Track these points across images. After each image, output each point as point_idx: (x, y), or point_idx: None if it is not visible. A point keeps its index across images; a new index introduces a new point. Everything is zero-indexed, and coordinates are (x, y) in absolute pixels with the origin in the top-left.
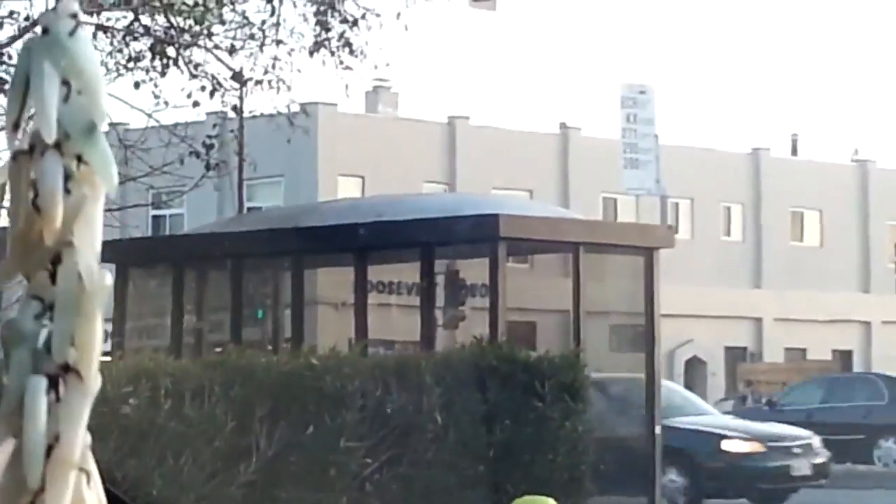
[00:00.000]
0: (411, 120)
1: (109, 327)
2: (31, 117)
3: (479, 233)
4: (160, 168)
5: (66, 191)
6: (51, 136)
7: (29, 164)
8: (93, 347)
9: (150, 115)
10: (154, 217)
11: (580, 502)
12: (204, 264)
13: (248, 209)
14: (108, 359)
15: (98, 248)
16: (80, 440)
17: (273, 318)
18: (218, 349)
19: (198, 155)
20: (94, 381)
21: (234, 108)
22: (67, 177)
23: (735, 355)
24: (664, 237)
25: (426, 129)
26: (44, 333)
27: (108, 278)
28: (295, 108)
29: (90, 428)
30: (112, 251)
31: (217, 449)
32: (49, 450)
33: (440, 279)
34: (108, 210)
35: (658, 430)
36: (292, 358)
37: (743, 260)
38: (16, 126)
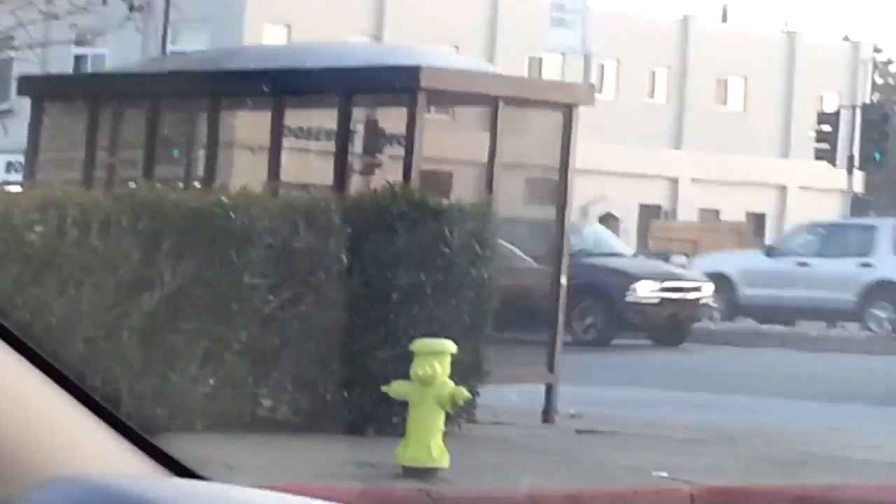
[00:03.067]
0: None
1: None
2: None
3: (399, 82)
4: (83, 6)
5: None
6: None
7: None
8: None
9: None
10: (77, 57)
11: (480, 346)
12: (121, 103)
13: (172, 53)
14: (18, 189)
15: None
16: None
17: (187, 158)
18: (130, 184)
19: None
20: None
21: None
22: None
23: (649, 213)
24: (584, 94)
25: None
26: None
27: None
28: None
29: None
30: (29, 86)
31: (121, 280)
32: None
33: (359, 127)
34: (29, 47)
35: (563, 280)
36: (202, 195)
37: (665, 121)
38: None
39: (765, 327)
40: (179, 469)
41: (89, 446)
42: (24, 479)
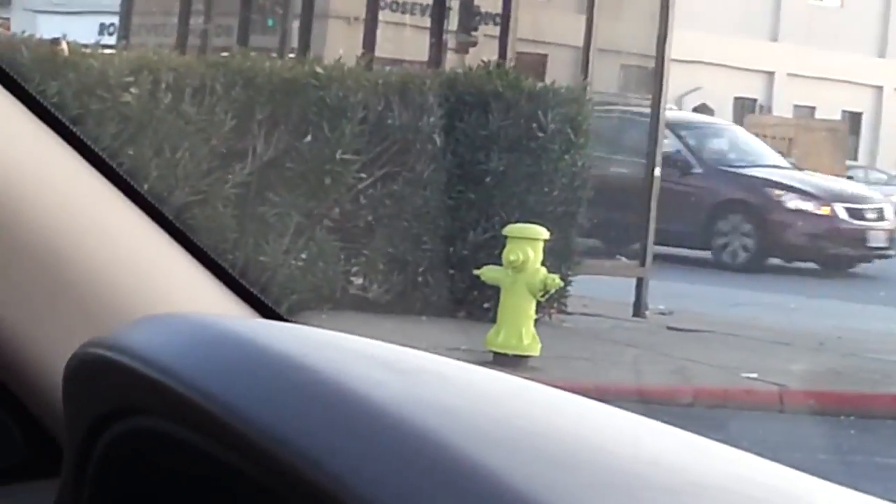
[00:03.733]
0: None
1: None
2: None
3: None
4: None
5: None
6: None
7: None
8: None
9: None
10: None
11: (571, 237)
12: None
13: None
14: (112, 51)
15: None
16: None
17: (282, 28)
18: (224, 53)
19: None
20: None
21: None
22: None
23: (744, 106)
24: None
25: None
26: None
27: None
28: None
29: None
30: None
31: (214, 147)
32: None
33: (454, 3)
34: None
35: (657, 172)
36: (296, 64)
37: (762, 12)
38: None
39: None
40: (275, 317)
41: (186, 286)
42: (121, 318)
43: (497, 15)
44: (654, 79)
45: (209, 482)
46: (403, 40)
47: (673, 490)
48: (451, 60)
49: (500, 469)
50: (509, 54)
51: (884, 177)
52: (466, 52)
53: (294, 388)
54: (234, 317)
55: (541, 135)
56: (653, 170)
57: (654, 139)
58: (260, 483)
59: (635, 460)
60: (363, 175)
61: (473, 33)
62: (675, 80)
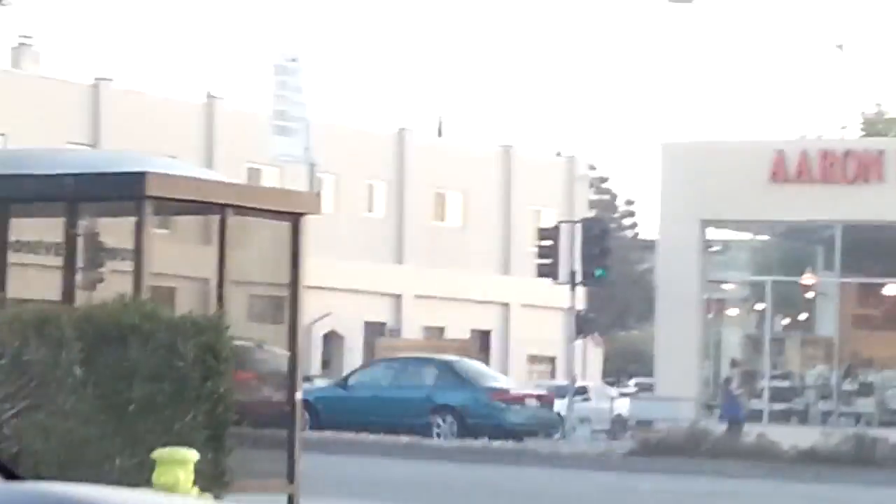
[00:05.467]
0: (56, 79)
1: None
2: None
3: (126, 190)
4: None
5: None
6: None
7: None
8: None
9: None
10: None
11: (220, 458)
12: None
13: None
14: None
15: None
16: None
17: None
18: None
19: None
20: None
21: None
22: None
23: (374, 330)
24: (311, 202)
25: (70, 90)
26: None
27: None
28: None
29: None
30: None
31: None
32: None
33: (80, 241)
34: None
35: (299, 395)
36: None
37: (385, 236)
38: None
39: None
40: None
41: None
42: None
43: (123, 249)
44: (290, 304)
45: None
46: (32, 280)
47: None
48: (81, 298)
49: None
50: (143, 284)
51: None
52: (94, 288)
53: None
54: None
55: (181, 364)
56: (294, 394)
57: (293, 366)
58: None
59: None
60: (7, 405)
61: (100, 269)
62: (306, 307)
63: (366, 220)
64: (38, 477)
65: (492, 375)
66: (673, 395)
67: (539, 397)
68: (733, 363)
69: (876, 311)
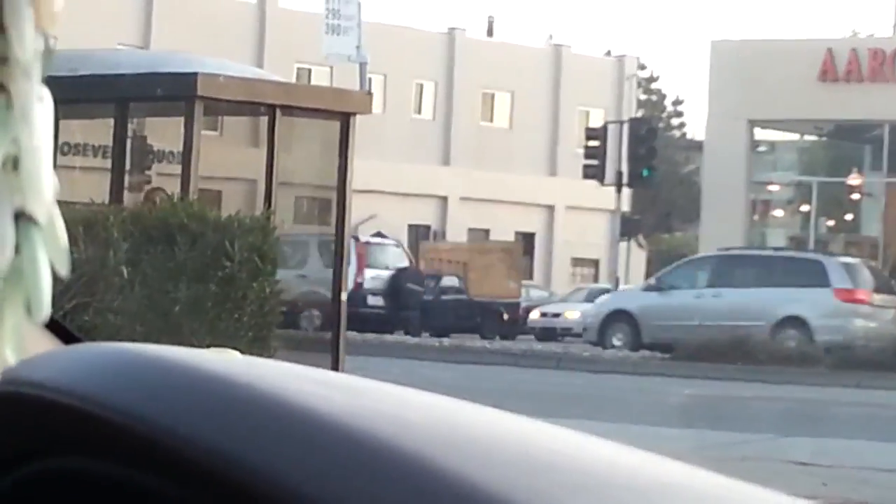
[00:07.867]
0: None
1: None
2: None
3: (177, 90)
4: None
5: None
6: None
7: None
8: None
9: None
10: None
11: (265, 356)
12: None
13: None
14: None
15: None
16: None
17: None
18: None
19: None
20: None
21: None
22: None
23: (419, 233)
24: (362, 102)
25: None
26: None
27: None
28: None
29: None
30: None
31: None
32: None
33: (129, 143)
34: None
35: (344, 296)
36: None
37: (433, 138)
38: None
39: None
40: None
41: None
42: None
43: (170, 152)
44: (337, 204)
45: None
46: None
47: (639, 489)
48: (129, 200)
49: (469, 472)
50: (192, 186)
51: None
52: (142, 190)
53: (242, 408)
54: (143, 345)
55: (228, 264)
56: (339, 295)
57: (339, 266)
58: None
59: (595, 461)
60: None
61: (147, 172)
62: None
63: (414, 121)
64: None
65: None
66: None
67: None
68: None
69: None
